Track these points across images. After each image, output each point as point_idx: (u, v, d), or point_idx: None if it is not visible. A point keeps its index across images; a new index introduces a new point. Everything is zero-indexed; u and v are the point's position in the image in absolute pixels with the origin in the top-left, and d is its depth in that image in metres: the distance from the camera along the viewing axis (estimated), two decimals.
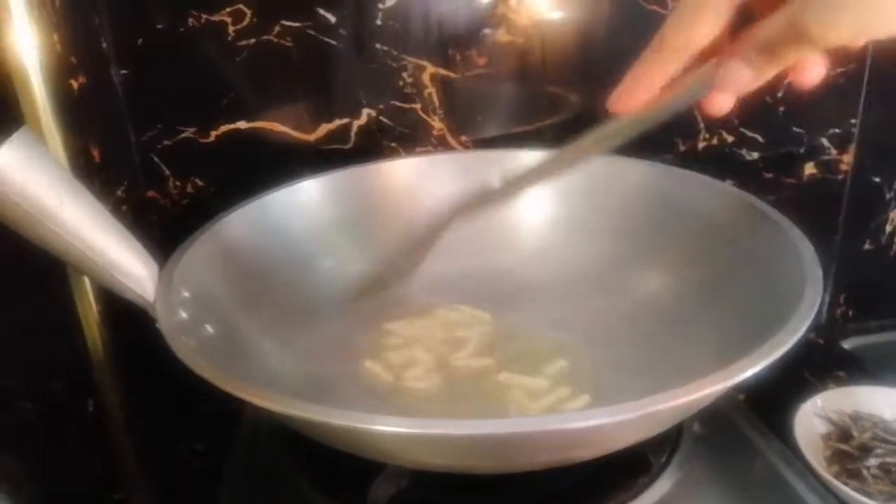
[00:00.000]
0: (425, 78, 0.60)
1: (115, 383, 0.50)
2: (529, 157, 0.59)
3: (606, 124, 0.37)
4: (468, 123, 0.62)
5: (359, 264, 0.54)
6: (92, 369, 0.49)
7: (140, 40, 0.56)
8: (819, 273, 0.38)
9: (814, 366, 0.66)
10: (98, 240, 0.39)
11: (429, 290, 0.54)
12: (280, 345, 0.47)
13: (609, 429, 0.31)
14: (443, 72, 0.60)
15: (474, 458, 0.34)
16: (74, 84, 0.48)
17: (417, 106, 0.61)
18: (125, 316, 0.43)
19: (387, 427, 0.30)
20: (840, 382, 0.61)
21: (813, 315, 0.35)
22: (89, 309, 0.47)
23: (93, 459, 0.52)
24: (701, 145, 0.65)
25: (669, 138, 0.64)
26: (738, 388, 0.51)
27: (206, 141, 0.59)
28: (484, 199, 0.46)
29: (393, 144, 0.62)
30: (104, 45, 0.55)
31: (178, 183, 0.60)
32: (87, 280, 0.46)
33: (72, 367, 0.48)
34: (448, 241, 0.53)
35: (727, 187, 0.50)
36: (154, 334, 0.38)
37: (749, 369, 0.31)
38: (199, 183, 0.60)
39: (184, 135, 0.59)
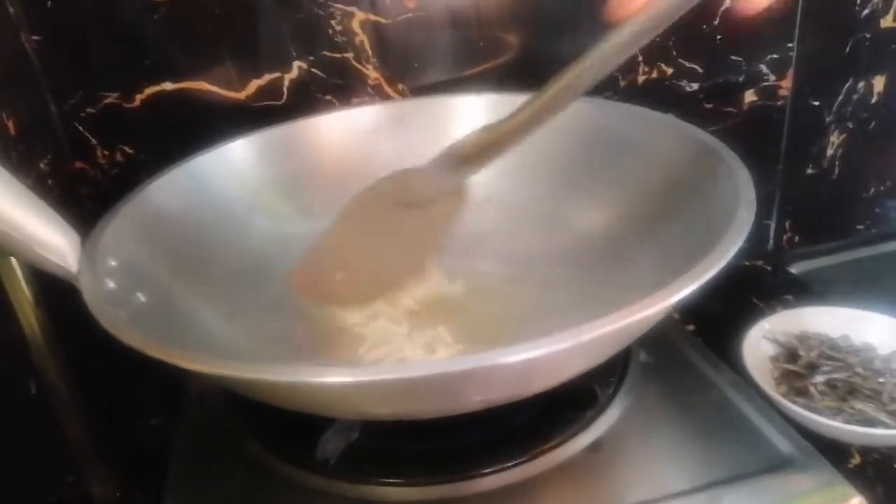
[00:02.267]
0: (355, 24, 0.58)
1: (57, 364, 0.48)
2: (469, 102, 0.59)
3: (600, 46, 0.36)
4: (404, 71, 0.61)
5: (297, 224, 0.53)
6: (30, 352, 0.47)
7: (49, 2, 0.53)
8: (752, 194, 0.38)
9: (762, 292, 0.67)
10: (10, 212, 0.37)
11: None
12: (220, 310, 0.46)
13: (551, 359, 0.31)
14: (372, 17, 0.58)
15: (417, 403, 0.34)
16: None
17: (350, 55, 0.59)
18: (63, 296, 0.42)
19: (325, 378, 0.30)
20: (788, 306, 0.62)
21: (745, 234, 0.35)
22: (21, 292, 0.45)
23: (42, 442, 0.50)
24: (641, 79, 0.64)
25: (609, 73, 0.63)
26: (687, 318, 0.53)
27: (131, 106, 0.57)
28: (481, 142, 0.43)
29: (328, 97, 0.60)
30: (11, 10, 0.52)
31: (105, 152, 0.58)
32: (14, 264, 0.44)
33: (7, 350, 0.46)
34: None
35: (664, 117, 0.50)
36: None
37: (682, 290, 0.31)
38: (129, 151, 0.58)
39: (107, 101, 0.56)
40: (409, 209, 0.47)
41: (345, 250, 0.48)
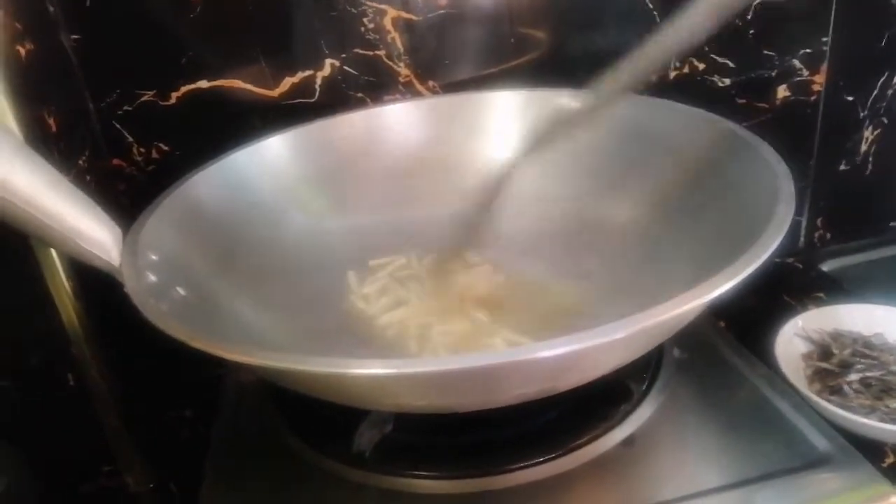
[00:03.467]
0: (387, 22, 0.58)
1: (94, 356, 0.49)
2: (500, 98, 0.59)
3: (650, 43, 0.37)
4: (435, 68, 0.61)
5: (332, 219, 0.54)
6: (69, 344, 0.48)
7: (88, 2, 0.54)
8: (791, 189, 0.38)
9: (793, 289, 0.66)
10: (56, 206, 0.37)
11: (405, 238, 0.53)
12: (256, 304, 0.47)
13: (588, 353, 0.31)
14: (404, 15, 0.58)
15: (455, 396, 0.34)
16: (22, 51, 0.46)
17: (381, 52, 0.59)
18: (101, 290, 0.43)
19: (365, 370, 0.30)
20: (820, 304, 0.61)
21: (785, 230, 0.35)
22: (61, 285, 0.46)
23: (79, 432, 0.51)
24: (672, 74, 0.64)
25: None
26: (719, 314, 0.52)
27: (167, 104, 0.58)
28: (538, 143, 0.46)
29: (359, 95, 0.60)
30: (51, 9, 0.53)
31: (142, 149, 0.59)
32: (55, 257, 0.45)
33: (47, 343, 0.48)
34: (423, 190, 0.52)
35: (698, 111, 0.50)
36: (132, 307, 0.37)
37: (721, 286, 0.31)
38: (164, 148, 0.59)
39: (144, 99, 0.57)
40: None
41: None
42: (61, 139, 0.50)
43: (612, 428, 0.41)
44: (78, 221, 0.38)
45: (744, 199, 0.41)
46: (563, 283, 0.48)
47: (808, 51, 0.66)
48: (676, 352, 0.46)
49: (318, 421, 0.43)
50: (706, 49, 0.64)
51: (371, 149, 0.58)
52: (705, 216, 0.44)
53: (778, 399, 0.43)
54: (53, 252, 0.45)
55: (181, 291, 0.41)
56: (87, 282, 0.46)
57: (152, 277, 0.39)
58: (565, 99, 0.45)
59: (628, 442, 0.41)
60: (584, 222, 0.51)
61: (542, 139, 0.47)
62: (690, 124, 0.49)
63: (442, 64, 0.61)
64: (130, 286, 0.37)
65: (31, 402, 0.48)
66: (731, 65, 0.65)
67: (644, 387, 0.44)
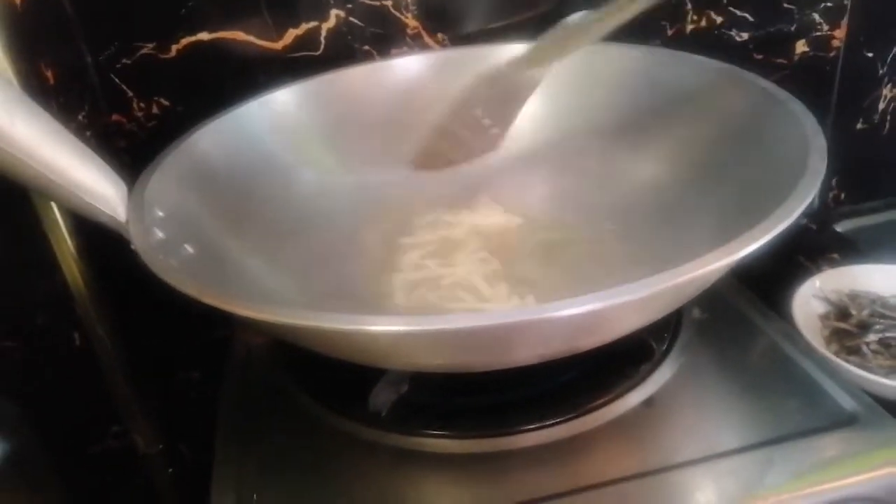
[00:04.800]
0: None
1: (100, 316, 0.48)
2: (511, 51, 0.57)
3: None
4: (444, 20, 0.59)
5: (340, 175, 0.52)
6: (73, 303, 0.47)
7: None
8: (823, 142, 0.37)
9: (808, 250, 0.65)
10: (59, 159, 0.36)
11: (418, 196, 0.52)
12: (267, 261, 0.46)
13: (610, 313, 0.30)
14: None
15: (473, 354, 0.33)
16: (17, 1, 0.44)
17: (388, 3, 0.57)
18: (106, 249, 0.42)
19: (384, 327, 0.29)
20: (835, 265, 0.60)
21: (819, 183, 0.33)
22: (64, 244, 0.45)
23: (86, 394, 0.51)
24: (689, 28, 0.62)
25: (656, 22, 0.61)
26: (735, 273, 0.51)
27: (167, 57, 0.56)
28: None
29: (366, 48, 0.58)
30: None
31: (142, 104, 0.57)
32: (58, 215, 0.44)
33: (52, 302, 0.47)
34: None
35: (719, 64, 0.48)
36: (138, 266, 0.36)
37: (756, 241, 0.30)
38: (165, 103, 0.57)
39: (143, 51, 0.55)
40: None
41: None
42: (60, 93, 0.48)
43: (631, 388, 0.41)
44: (82, 175, 0.37)
45: (771, 156, 0.40)
46: (583, 241, 0.47)
47: (828, 4, 0.64)
48: (696, 312, 0.45)
49: (329, 380, 0.43)
50: (724, 2, 0.62)
51: (379, 103, 0.56)
52: (729, 174, 0.43)
53: (800, 357, 0.42)
54: (56, 210, 0.44)
55: (189, 249, 0.40)
56: (92, 240, 0.45)
57: (160, 234, 0.38)
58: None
59: (648, 403, 0.40)
60: (601, 179, 0.50)
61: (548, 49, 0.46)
62: (713, 78, 0.48)
63: (451, 16, 0.59)
64: (138, 242, 0.36)
65: (36, 362, 0.47)
66: (751, 18, 0.63)
67: (664, 347, 0.43)
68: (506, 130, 0.50)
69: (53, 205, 0.43)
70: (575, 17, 0.44)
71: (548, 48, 0.46)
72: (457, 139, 0.50)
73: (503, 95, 0.48)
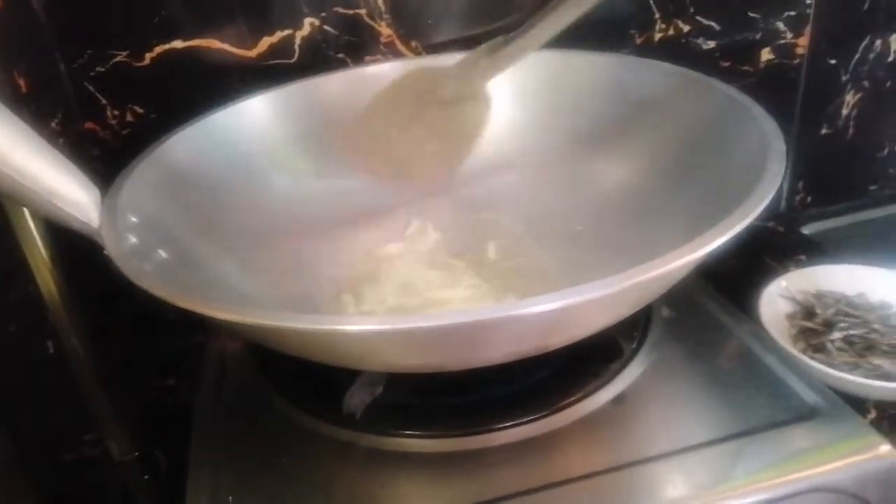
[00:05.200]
0: None
1: (73, 324, 0.48)
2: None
3: None
4: (418, 28, 0.60)
5: (314, 181, 0.53)
6: (47, 311, 0.47)
7: None
8: (782, 146, 0.38)
9: (775, 252, 0.67)
10: (32, 165, 0.36)
11: (390, 202, 0.53)
12: (240, 267, 0.46)
13: (580, 309, 0.31)
14: None
15: (446, 353, 0.34)
16: None
17: (362, 11, 0.57)
18: (79, 257, 0.42)
19: (356, 326, 0.30)
20: (801, 266, 0.61)
21: (777, 185, 0.35)
22: (36, 251, 0.45)
23: (60, 401, 0.50)
24: (657, 36, 0.63)
25: (625, 31, 0.62)
26: (704, 274, 0.52)
27: (141, 65, 0.56)
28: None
29: (340, 55, 0.59)
30: None
31: (115, 112, 0.57)
32: (31, 224, 0.44)
33: (25, 310, 0.46)
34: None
35: (685, 71, 0.49)
36: (112, 273, 0.36)
37: (716, 240, 0.31)
38: (139, 110, 0.57)
39: (116, 59, 0.55)
40: (437, 107, 0.50)
41: (382, 129, 0.51)
42: (32, 101, 0.48)
43: (602, 386, 0.41)
44: (55, 181, 0.37)
45: (734, 159, 0.41)
46: (551, 243, 0.48)
47: (792, 13, 0.66)
48: (665, 311, 0.46)
49: (304, 383, 0.43)
50: (691, 11, 0.63)
51: (353, 111, 0.56)
52: (694, 176, 0.44)
53: (766, 354, 0.43)
54: (29, 218, 0.43)
55: (163, 254, 0.40)
56: (65, 248, 0.45)
57: (133, 239, 0.38)
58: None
59: (618, 400, 0.41)
60: (571, 184, 0.51)
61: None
62: (678, 83, 0.49)
63: (425, 24, 0.60)
64: (111, 247, 0.36)
65: (9, 370, 0.47)
66: (716, 27, 0.64)
67: (634, 345, 0.44)
68: (454, 165, 0.50)
69: (26, 212, 0.43)
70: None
71: (488, 58, 0.47)
72: (400, 156, 0.51)
73: (449, 123, 0.49)
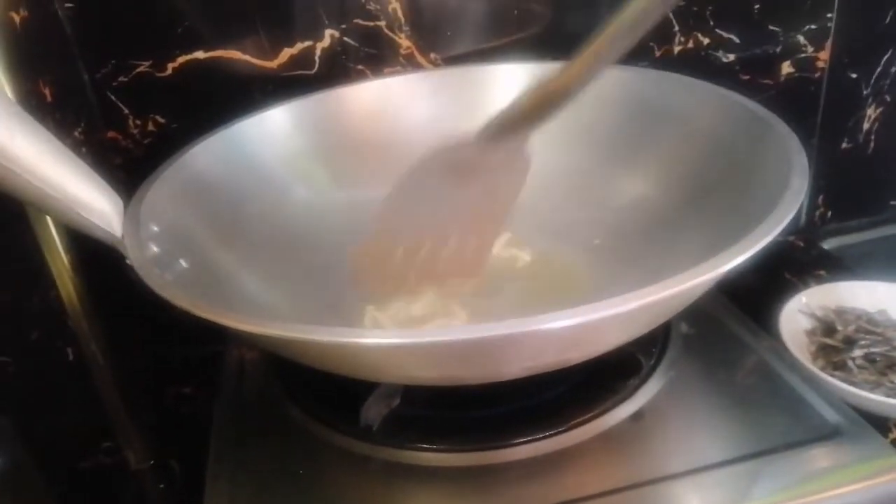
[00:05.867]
0: None
1: (93, 331, 0.49)
2: (503, 71, 0.58)
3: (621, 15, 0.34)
4: (437, 40, 0.60)
5: (334, 193, 0.53)
6: (67, 318, 0.47)
7: None
8: (805, 162, 0.38)
9: (795, 267, 0.66)
10: (57, 175, 0.36)
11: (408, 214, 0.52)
12: (260, 277, 0.46)
13: (598, 326, 0.31)
14: None
15: (464, 367, 0.34)
16: (16, 18, 0.45)
17: (382, 23, 0.58)
18: (100, 265, 0.42)
19: (377, 339, 0.30)
20: (821, 281, 0.61)
21: (800, 201, 0.34)
22: (59, 259, 0.46)
23: (78, 409, 0.51)
24: (677, 49, 0.63)
25: (644, 43, 0.62)
26: (723, 290, 0.52)
27: (163, 75, 0.56)
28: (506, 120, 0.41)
29: (360, 67, 0.59)
30: None
31: (138, 121, 0.58)
32: (53, 231, 0.44)
33: (46, 317, 0.47)
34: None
35: (706, 85, 0.49)
36: (132, 282, 0.36)
37: (738, 256, 0.31)
38: (161, 120, 0.58)
39: (139, 69, 0.56)
40: (467, 182, 0.43)
41: (403, 225, 0.45)
42: (57, 110, 0.48)
43: (620, 403, 0.41)
44: (79, 190, 0.37)
45: (755, 174, 0.41)
46: (570, 257, 0.48)
47: (813, 27, 0.65)
48: (684, 327, 0.46)
49: (321, 395, 0.43)
50: (711, 24, 0.63)
51: (372, 122, 0.57)
52: (715, 191, 0.44)
53: (787, 372, 0.42)
54: (52, 226, 0.44)
55: (184, 263, 0.40)
56: (86, 256, 0.46)
57: (155, 249, 0.39)
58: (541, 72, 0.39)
59: (636, 417, 0.41)
60: (591, 197, 0.51)
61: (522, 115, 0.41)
62: (700, 98, 0.49)
63: (444, 36, 0.60)
64: (133, 257, 0.36)
65: (29, 378, 0.47)
66: (737, 40, 0.64)
67: (652, 362, 0.43)
68: (488, 251, 0.44)
69: (49, 220, 0.43)
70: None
71: (515, 116, 0.41)
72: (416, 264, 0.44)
73: (482, 198, 0.43)
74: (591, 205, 0.50)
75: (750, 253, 0.31)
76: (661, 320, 0.38)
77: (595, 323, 0.30)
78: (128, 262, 0.37)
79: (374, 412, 0.40)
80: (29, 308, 0.46)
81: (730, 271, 0.32)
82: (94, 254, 0.41)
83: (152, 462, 0.54)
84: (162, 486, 0.54)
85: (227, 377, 0.48)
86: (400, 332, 0.29)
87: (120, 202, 0.40)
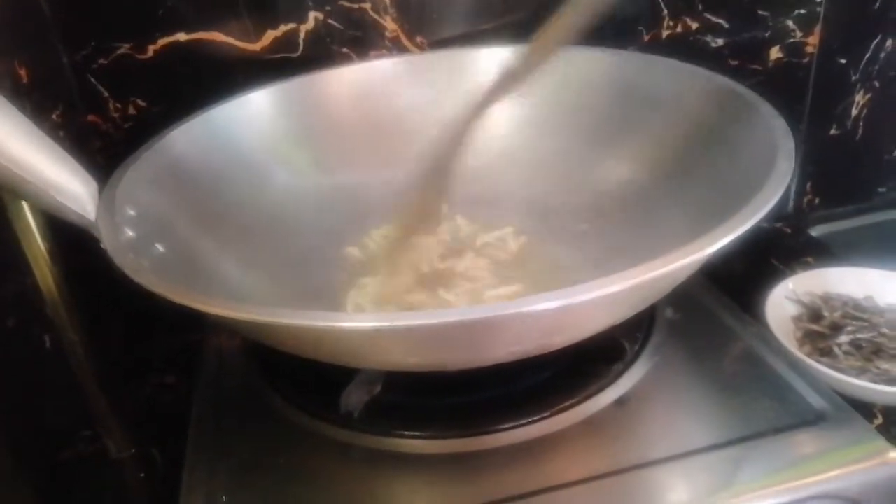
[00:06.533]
0: None
1: (72, 320, 0.48)
2: (489, 55, 0.57)
3: None
4: (423, 23, 0.59)
5: (316, 177, 0.52)
6: (44, 305, 0.46)
7: None
8: (791, 144, 0.37)
9: (782, 253, 0.66)
10: (29, 156, 0.36)
11: (393, 199, 0.52)
12: (239, 263, 0.45)
13: (583, 308, 0.30)
14: None
15: (446, 352, 0.33)
16: None
17: (368, 6, 0.57)
18: (77, 252, 0.41)
19: (356, 323, 0.29)
20: (808, 268, 0.61)
21: (786, 184, 0.34)
22: (36, 246, 0.45)
23: (57, 397, 0.50)
24: (665, 34, 0.62)
25: (633, 27, 0.62)
26: (709, 276, 0.52)
27: (144, 57, 0.55)
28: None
29: (344, 50, 0.58)
30: None
31: (118, 105, 0.56)
32: (30, 218, 0.43)
33: (23, 304, 0.46)
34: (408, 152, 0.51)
35: (691, 67, 0.48)
36: (111, 270, 0.35)
37: (723, 238, 0.30)
38: (141, 103, 0.57)
39: (119, 52, 0.55)
40: None
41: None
42: (34, 91, 0.47)
43: (604, 388, 0.41)
44: (51, 172, 0.37)
45: (741, 157, 0.40)
46: (555, 243, 0.47)
47: (802, 12, 0.65)
48: (669, 312, 0.46)
49: (302, 382, 0.43)
50: (700, 8, 0.62)
51: (356, 106, 0.56)
52: (701, 175, 0.44)
53: (773, 358, 0.42)
54: (28, 213, 0.43)
55: (161, 248, 0.40)
56: (64, 244, 0.45)
57: (130, 233, 0.38)
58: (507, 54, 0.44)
59: (621, 402, 0.40)
60: (578, 181, 0.50)
61: (487, 96, 0.45)
62: (685, 81, 0.48)
63: (430, 19, 0.59)
64: (107, 241, 0.36)
65: (5, 365, 0.47)
66: (725, 25, 0.63)
67: (637, 347, 0.43)
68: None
69: (25, 205, 0.42)
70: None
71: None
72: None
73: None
74: (577, 190, 0.50)
75: (735, 234, 0.31)
76: (647, 304, 0.38)
77: (579, 305, 0.29)
78: (102, 246, 0.36)
79: (355, 399, 0.39)
80: (3, 295, 0.45)
81: (715, 253, 0.31)
82: (72, 241, 0.40)
83: (133, 451, 0.53)
84: (142, 475, 0.53)
85: (206, 366, 0.47)
86: (380, 315, 0.29)
87: (94, 185, 0.39)
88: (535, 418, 0.39)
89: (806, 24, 0.65)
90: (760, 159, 0.37)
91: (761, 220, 0.32)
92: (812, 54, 0.67)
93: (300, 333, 0.32)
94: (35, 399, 0.48)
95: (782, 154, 0.36)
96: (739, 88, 0.44)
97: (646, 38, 0.62)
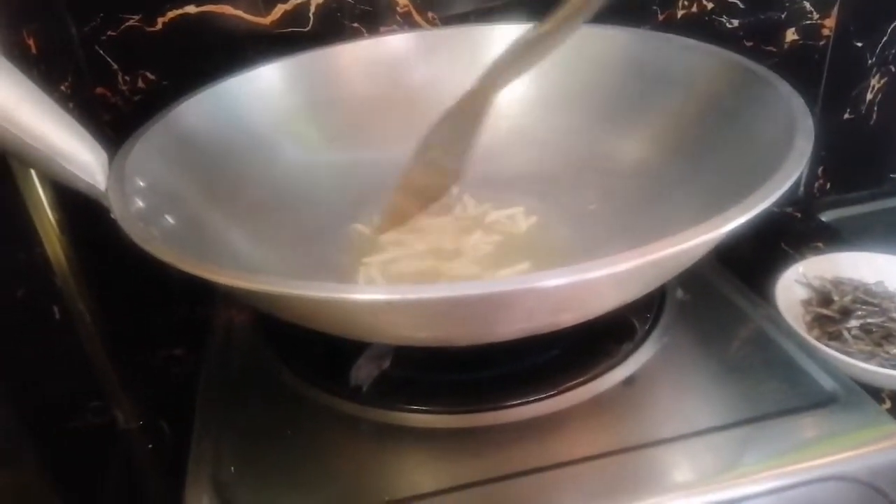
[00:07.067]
0: None
1: (80, 290, 0.48)
2: (501, 32, 0.56)
3: None
4: None
5: (325, 152, 0.52)
6: (54, 276, 0.46)
7: None
8: (810, 123, 0.37)
9: (792, 238, 0.66)
10: (37, 124, 0.35)
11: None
12: (248, 236, 0.45)
13: (593, 285, 0.30)
14: None
15: (457, 326, 0.33)
16: None
17: None
18: (87, 223, 0.41)
19: (368, 295, 0.29)
20: (818, 253, 0.60)
21: (804, 163, 0.33)
22: (45, 217, 0.45)
23: (65, 368, 0.50)
24: (680, 13, 0.62)
25: (647, 7, 0.61)
26: (720, 259, 0.51)
27: (153, 29, 0.55)
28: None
29: (355, 25, 0.58)
30: None
31: (126, 77, 0.56)
32: (40, 188, 0.43)
33: (32, 275, 0.46)
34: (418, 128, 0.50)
35: (707, 46, 0.48)
36: (121, 241, 0.35)
37: (738, 217, 0.30)
38: (150, 76, 0.56)
39: (128, 23, 0.55)
40: None
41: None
42: (42, 62, 0.47)
43: (612, 367, 0.41)
44: (61, 141, 0.36)
45: (758, 136, 0.40)
46: (566, 222, 0.47)
47: None
48: (680, 293, 0.45)
49: (311, 355, 0.43)
50: None
51: (367, 82, 0.55)
52: (716, 155, 0.43)
53: (783, 340, 0.42)
54: (38, 183, 0.43)
55: (170, 220, 0.39)
56: (73, 214, 0.45)
57: (140, 203, 0.38)
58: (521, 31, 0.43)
59: (629, 381, 0.40)
60: (588, 161, 0.50)
61: (498, 76, 0.45)
62: (701, 59, 0.48)
63: None
64: (117, 210, 0.35)
65: (15, 336, 0.47)
66: (741, 5, 0.63)
67: (647, 327, 0.43)
68: (465, 162, 0.48)
69: (35, 177, 0.42)
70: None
71: (504, 67, 0.44)
72: (416, 191, 0.49)
73: (460, 128, 0.46)
74: (589, 169, 0.49)
75: (753, 213, 0.31)
76: (658, 283, 0.37)
77: (590, 282, 0.29)
78: (112, 215, 0.36)
79: (364, 373, 0.39)
80: (14, 266, 0.45)
81: (729, 234, 0.31)
82: (82, 212, 0.40)
83: (141, 422, 0.53)
84: (151, 446, 0.54)
85: (216, 338, 0.47)
86: (392, 287, 0.29)
87: (104, 155, 0.39)
88: (543, 395, 0.39)
89: (823, 7, 0.64)
90: (778, 139, 0.37)
91: (772, 205, 0.32)
92: (828, 37, 0.66)
93: (311, 305, 0.32)
94: (44, 369, 0.49)
95: (801, 133, 0.36)
96: (756, 67, 0.44)
97: (660, 17, 0.62)
